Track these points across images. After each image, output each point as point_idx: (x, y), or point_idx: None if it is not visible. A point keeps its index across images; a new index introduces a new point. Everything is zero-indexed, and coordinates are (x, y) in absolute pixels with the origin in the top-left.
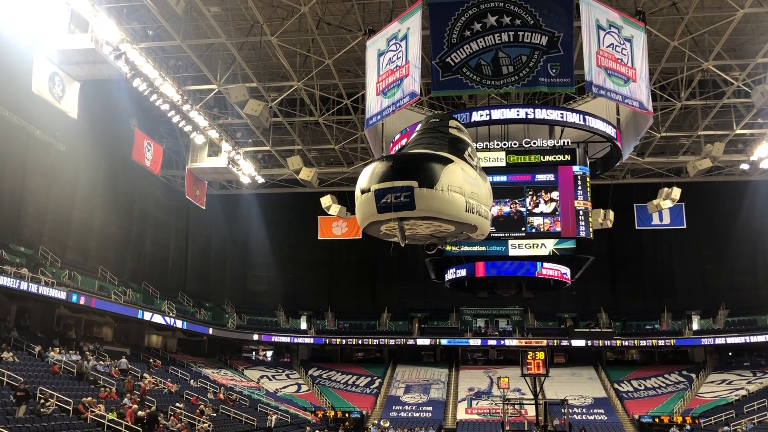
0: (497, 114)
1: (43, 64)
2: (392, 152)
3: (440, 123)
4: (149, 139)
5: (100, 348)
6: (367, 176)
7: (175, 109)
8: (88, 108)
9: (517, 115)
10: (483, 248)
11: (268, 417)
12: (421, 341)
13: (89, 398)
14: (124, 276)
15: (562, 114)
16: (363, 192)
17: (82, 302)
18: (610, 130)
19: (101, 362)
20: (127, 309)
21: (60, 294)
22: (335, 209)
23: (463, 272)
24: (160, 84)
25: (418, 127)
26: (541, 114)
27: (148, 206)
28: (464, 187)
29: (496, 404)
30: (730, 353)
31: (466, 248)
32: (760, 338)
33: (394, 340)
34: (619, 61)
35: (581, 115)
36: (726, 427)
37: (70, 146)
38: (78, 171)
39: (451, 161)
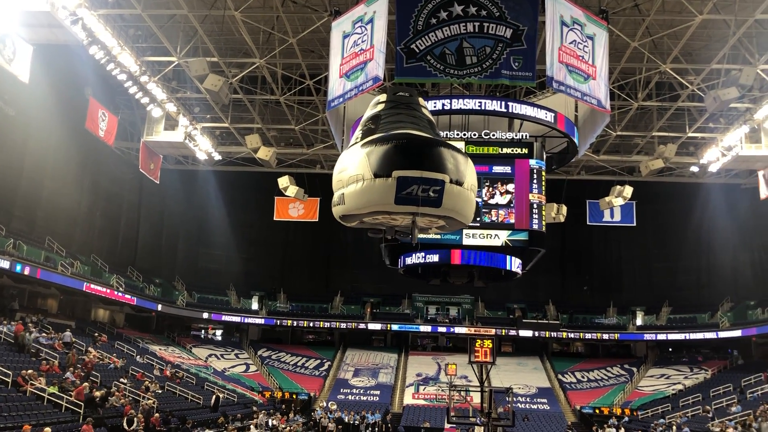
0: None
1: None
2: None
3: (411, 99)
4: (104, 109)
5: (43, 320)
6: (379, 158)
7: (133, 79)
8: (42, 73)
9: (434, 107)
10: (438, 236)
11: (214, 395)
12: (372, 326)
13: (30, 371)
14: (72, 248)
15: (480, 102)
16: (376, 176)
17: (26, 273)
18: (545, 114)
19: (44, 334)
20: (74, 281)
21: (3, 263)
22: (292, 191)
23: (435, 258)
24: (117, 53)
25: (382, 98)
26: (457, 104)
27: (100, 178)
28: (476, 185)
29: (442, 390)
30: (670, 349)
31: (421, 235)
32: (699, 336)
33: (345, 324)
34: (581, 58)
35: (502, 102)
36: (662, 420)
37: (20, 111)
38: (27, 137)
39: (466, 154)
